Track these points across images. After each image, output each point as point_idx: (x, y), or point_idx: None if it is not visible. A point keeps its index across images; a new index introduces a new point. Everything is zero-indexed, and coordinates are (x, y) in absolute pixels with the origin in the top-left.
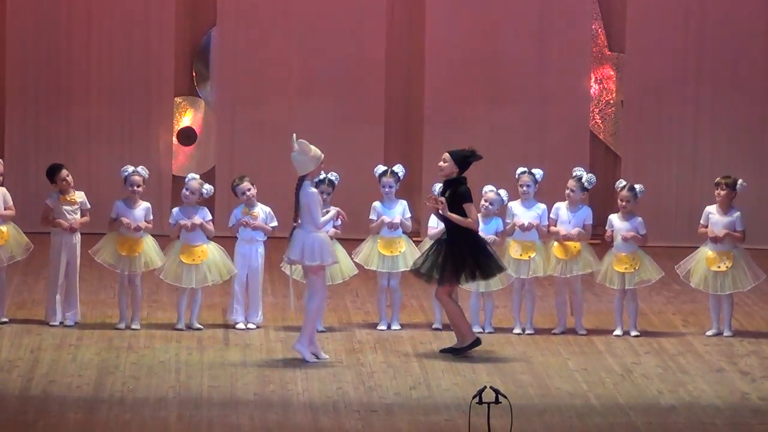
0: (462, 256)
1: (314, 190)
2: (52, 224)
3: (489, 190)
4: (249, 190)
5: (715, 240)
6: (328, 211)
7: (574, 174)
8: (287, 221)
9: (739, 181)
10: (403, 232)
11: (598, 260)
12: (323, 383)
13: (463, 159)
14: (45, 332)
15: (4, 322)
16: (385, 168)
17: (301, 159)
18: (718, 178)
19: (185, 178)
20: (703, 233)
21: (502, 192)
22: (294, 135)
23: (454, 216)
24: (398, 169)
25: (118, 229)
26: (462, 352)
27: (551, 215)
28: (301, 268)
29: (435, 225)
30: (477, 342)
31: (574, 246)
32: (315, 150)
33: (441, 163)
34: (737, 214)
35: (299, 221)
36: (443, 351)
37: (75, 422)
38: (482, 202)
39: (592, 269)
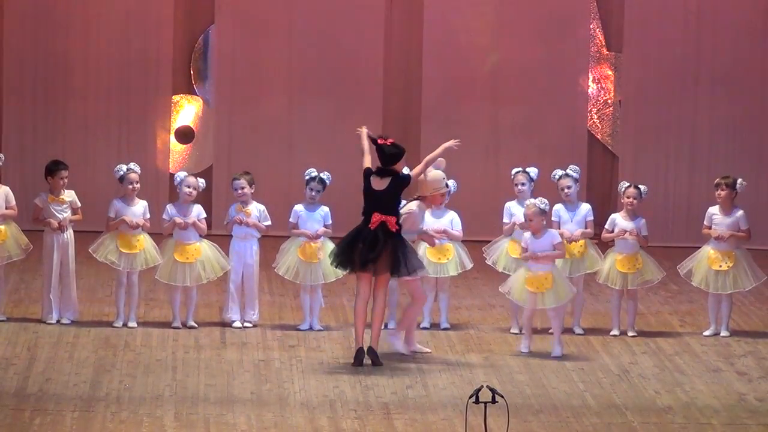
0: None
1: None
2: (41, 223)
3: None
4: (243, 188)
5: (720, 239)
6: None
7: (557, 176)
8: (282, 220)
9: (739, 180)
10: None
11: (602, 258)
12: (320, 382)
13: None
14: (42, 330)
15: (2, 320)
16: (313, 175)
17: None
18: (717, 179)
19: (175, 179)
20: (707, 234)
21: (450, 183)
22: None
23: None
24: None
25: (119, 227)
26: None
27: (553, 218)
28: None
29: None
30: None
31: (580, 245)
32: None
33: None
34: (740, 213)
35: None
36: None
37: (71, 420)
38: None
39: (599, 266)
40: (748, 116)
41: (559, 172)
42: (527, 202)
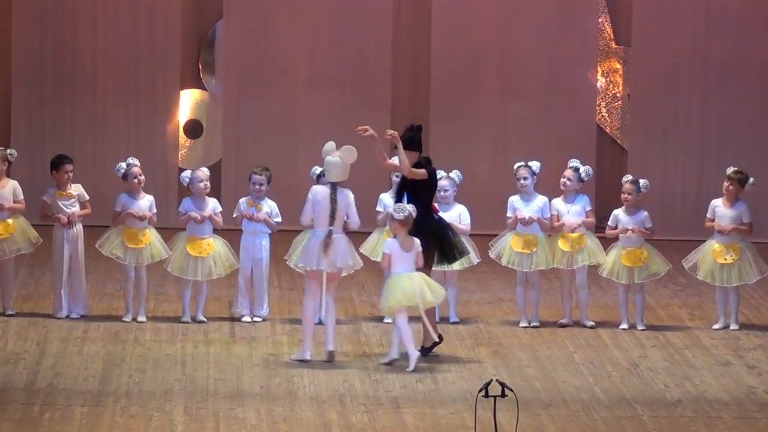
0: (427, 241)
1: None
2: (51, 219)
3: (441, 176)
4: (262, 184)
5: (722, 233)
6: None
7: (570, 165)
8: (291, 214)
9: (750, 180)
10: None
11: (603, 250)
12: (329, 376)
13: (410, 139)
14: (51, 325)
15: (11, 315)
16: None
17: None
18: (730, 171)
19: (183, 180)
20: (709, 227)
21: (454, 174)
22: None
23: (401, 150)
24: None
25: (125, 222)
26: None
27: (552, 211)
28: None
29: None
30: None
31: (579, 236)
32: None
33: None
34: (743, 206)
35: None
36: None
37: (81, 415)
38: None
39: (597, 259)
40: (757, 110)
41: (575, 164)
42: None
